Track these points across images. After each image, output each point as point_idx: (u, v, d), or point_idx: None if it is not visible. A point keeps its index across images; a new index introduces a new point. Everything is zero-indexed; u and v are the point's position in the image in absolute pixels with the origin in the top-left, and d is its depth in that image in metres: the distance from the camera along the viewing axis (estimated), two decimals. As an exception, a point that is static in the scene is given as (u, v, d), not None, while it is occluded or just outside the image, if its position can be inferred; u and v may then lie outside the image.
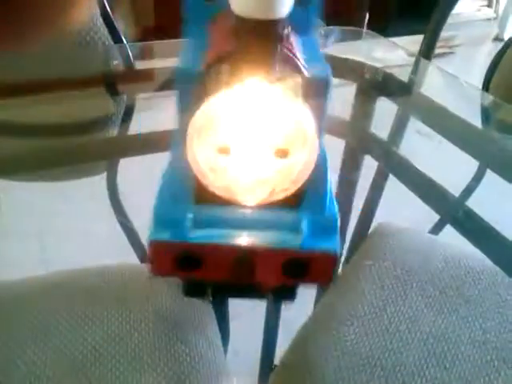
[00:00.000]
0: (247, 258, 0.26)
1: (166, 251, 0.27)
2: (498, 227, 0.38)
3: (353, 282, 0.33)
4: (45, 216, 0.44)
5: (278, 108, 0.24)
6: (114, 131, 0.57)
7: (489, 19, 3.14)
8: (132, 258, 0.39)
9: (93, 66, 0.68)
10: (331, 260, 0.24)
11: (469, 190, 0.49)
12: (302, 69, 0.25)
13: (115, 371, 0.28)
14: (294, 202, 0.26)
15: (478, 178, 0.50)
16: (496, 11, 3.05)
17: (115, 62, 0.73)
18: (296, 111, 0.24)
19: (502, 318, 0.33)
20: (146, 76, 0.68)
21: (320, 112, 0.25)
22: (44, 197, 0.45)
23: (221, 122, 0.25)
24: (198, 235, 0.26)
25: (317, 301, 0.33)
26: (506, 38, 2.76)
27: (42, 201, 0.46)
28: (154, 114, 0.60)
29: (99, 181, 0.48)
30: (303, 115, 0.24)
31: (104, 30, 0.84)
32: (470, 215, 0.41)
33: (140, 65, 0.73)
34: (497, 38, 2.89)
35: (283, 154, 0.24)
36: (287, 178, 0.26)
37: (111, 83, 0.66)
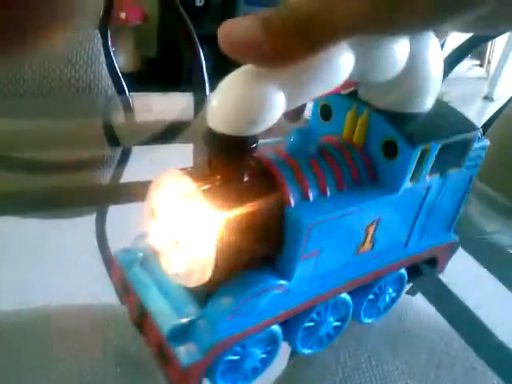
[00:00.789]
0: (143, 318, 0.30)
1: (115, 268, 0.33)
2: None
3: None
4: (31, 243, 0.45)
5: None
6: (109, 173, 0.59)
7: (480, 78, 3.26)
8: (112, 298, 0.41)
9: (94, 115, 0.71)
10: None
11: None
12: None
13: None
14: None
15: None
16: (487, 71, 3.15)
17: (117, 112, 0.76)
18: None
19: None
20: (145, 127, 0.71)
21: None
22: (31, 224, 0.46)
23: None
24: (132, 272, 0.32)
25: (290, 360, 0.36)
26: (495, 97, 2.83)
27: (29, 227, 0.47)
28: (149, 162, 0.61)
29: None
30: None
31: (108, 80, 0.88)
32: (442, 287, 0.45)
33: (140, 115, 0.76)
34: (487, 97, 2.97)
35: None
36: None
37: (112, 134, 0.69)
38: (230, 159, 0.27)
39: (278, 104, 0.25)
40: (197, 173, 0.28)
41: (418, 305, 0.42)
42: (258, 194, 0.28)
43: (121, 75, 0.90)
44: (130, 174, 0.58)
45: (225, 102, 0.25)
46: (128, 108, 0.76)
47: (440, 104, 0.34)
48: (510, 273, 0.50)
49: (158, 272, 0.32)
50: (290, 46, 0.22)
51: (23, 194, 0.50)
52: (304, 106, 0.31)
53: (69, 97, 0.83)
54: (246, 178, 0.28)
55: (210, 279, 0.28)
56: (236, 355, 0.30)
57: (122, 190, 0.56)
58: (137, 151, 0.63)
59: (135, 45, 2.19)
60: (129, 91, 0.89)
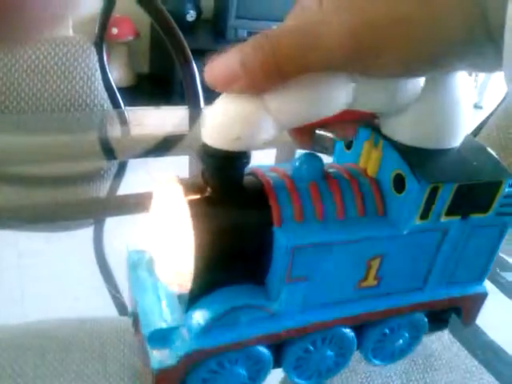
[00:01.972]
0: (136, 318, 0.32)
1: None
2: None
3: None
4: (28, 256, 0.46)
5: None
6: (106, 185, 0.60)
7: (472, 105, 2.99)
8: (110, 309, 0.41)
9: (90, 130, 0.72)
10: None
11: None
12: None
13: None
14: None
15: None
16: (476, 80, 2.94)
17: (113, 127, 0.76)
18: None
19: None
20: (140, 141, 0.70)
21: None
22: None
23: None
24: (135, 274, 0.33)
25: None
26: (484, 105, 2.68)
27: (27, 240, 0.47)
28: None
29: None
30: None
31: (104, 94, 0.91)
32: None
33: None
34: (476, 106, 2.80)
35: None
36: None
37: (107, 147, 0.69)
38: (219, 172, 0.28)
39: (263, 124, 0.25)
40: (191, 182, 0.29)
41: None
42: (247, 210, 0.29)
43: (116, 90, 0.91)
44: (126, 187, 0.58)
45: (215, 118, 0.26)
46: (124, 122, 0.77)
47: (470, 142, 0.32)
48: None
49: (155, 277, 0.33)
50: (264, 80, 0.24)
51: (21, 208, 0.52)
52: (314, 133, 0.31)
53: (65, 112, 0.85)
54: (239, 193, 0.29)
55: (194, 289, 0.29)
56: (212, 372, 0.30)
57: (118, 202, 0.57)
58: (133, 164, 0.64)
59: (128, 60, 2.19)
60: (125, 108, 0.90)
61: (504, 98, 0.79)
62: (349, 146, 0.35)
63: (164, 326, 0.29)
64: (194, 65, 0.88)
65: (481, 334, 0.40)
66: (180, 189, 0.28)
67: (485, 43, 0.23)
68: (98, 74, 0.91)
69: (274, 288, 0.30)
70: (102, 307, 0.39)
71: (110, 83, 0.93)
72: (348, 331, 0.33)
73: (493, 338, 0.39)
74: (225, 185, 0.28)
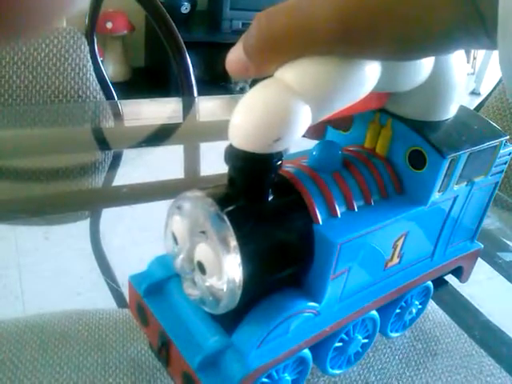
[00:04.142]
0: (167, 343, 0.29)
1: (132, 294, 0.31)
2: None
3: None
4: (25, 250, 0.44)
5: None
6: (101, 178, 0.58)
7: (466, 74, 3.28)
8: (109, 303, 0.40)
9: (84, 121, 0.70)
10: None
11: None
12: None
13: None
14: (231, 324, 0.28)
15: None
16: (473, 67, 3.17)
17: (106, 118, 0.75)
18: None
19: (467, 372, 0.35)
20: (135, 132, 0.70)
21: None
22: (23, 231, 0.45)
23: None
24: (151, 298, 0.30)
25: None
26: (482, 91, 2.86)
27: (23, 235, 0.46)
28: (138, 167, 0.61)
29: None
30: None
31: (96, 86, 0.87)
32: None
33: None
34: (473, 92, 3.00)
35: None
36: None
37: (102, 139, 0.68)
38: (254, 178, 0.25)
39: (303, 118, 0.23)
40: (219, 193, 0.26)
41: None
42: (285, 213, 0.27)
43: (109, 81, 0.89)
44: (122, 177, 0.57)
45: (248, 119, 0.23)
46: (117, 114, 0.76)
47: (463, 110, 0.33)
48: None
49: (179, 298, 0.30)
50: (266, 61, 0.24)
51: (15, 200, 0.49)
52: (325, 123, 0.30)
53: (57, 104, 0.82)
54: (274, 197, 0.27)
55: (237, 305, 0.26)
56: (269, 380, 0.29)
57: (114, 193, 0.55)
58: (128, 154, 0.62)
59: (123, 55, 2.17)
60: (119, 100, 0.88)
61: (500, 80, 0.84)
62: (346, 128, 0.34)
63: (211, 349, 0.27)
64: (188, 56, 0.85)
65: (479, 316, 0.42)
66: (211, 202, 0.25)
67: (479, 31, 0.23)
68: (90, 65, 0.87)
69: (319, 287, 0.28)
70: (101, 300, 0.36)
71: (103, 75, 0.89)
72: (375, 314, 0.33)
73: (491, 319, 0.41)
74: (261, 190, 0.26)
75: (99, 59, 0.88)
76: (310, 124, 0.24)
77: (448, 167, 0.30)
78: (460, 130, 0.31)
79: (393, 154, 0.31)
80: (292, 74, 0.23)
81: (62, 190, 0.53)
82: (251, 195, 0.26)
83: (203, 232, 0.25)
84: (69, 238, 0.47)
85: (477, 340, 0.39)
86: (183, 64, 0.84)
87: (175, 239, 0.28)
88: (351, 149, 0.32)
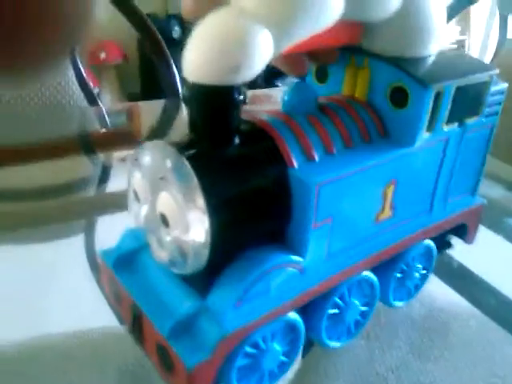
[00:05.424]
0: (139, 317, 0.26)
1: (103, 270, 0.30)
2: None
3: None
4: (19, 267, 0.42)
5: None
6: (91, 192, 0.56)
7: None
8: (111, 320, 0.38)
9: (69, 128, 0.69)
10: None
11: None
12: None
13: None
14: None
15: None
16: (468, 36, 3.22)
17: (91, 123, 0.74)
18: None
19: (491, 363, 0.31)
20: (122, 136, 0.69)
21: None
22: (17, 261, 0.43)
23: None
24: (122, 271, 0.28)
25: (304, 353, 0.31)
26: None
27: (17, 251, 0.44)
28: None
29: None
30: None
31: (80, 94, 0.86)
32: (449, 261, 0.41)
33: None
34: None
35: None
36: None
37: (87, 143, 0.67)
38: (215, 116, 0.23)
39: (262, 43, 0.21)
40: (180, 140, 0.24)
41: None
42: (255, 158, 0.25)
43: (93, 90, 0.87)
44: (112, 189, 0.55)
45: (202, 48, 0.21)
46: (103, 120, 0.74)
47: (448, 50, 0.30)
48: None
49: (151, 267, 0.28)
50: None
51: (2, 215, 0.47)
52: (304, 55, 0.28)
53: (39, 114, 0.80)
54: (237, 141, 0.24)
55: (209, 262, 0.24)
56: (247, 357, 0.26)
57: (107, 200, 0.53)
58: (118, 165, 0.60)
59: (118, 83, 2.19)
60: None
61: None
62: (322, 79, 0.32)
63: (183, 314, 0.24)
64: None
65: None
66: (170, 148, 0.23)
67: None
68: (71, 73, 0.85)
69: (300, 237, 0.26)
70: (101, 317, 0.34)
71: (85, 81, 0.87)
72: (372, 276, 0.30)
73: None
74: (224, 131, 0.24)
75: (81, 67, 0.87)
76: (274, 53, 0.22)
77: (434, 102, 0.27)
78: (444, 64, 0.29)
79: (373, 95, 0.29)
80: (247, -2, 0.21)
81: (50, 204, 0.52)
82: (214, 137, 0.24)
83: (162, 178, 0.23)
84: (64, 251, 0.45)
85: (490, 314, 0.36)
86: (168, 70, 0.82)
87: (137, 197, 0.25)
88: (326, 97, 0.30)
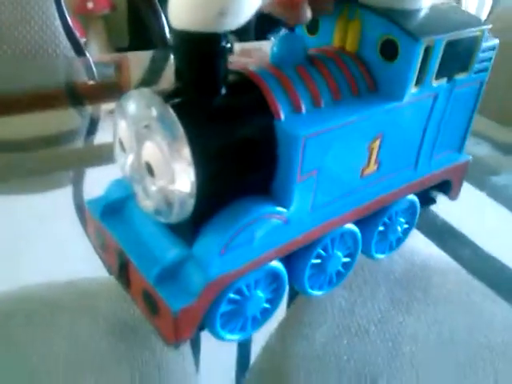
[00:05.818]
0: (125, 264, 0.27)
1: (90, 219, 0.30)
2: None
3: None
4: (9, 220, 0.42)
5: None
6: (79, 144, 0.56)
7: None
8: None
9: (56, 78, 0.67)
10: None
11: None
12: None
13: (81, 380, 0.28)
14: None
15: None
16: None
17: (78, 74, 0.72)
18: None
19: (470, 319, 0.32)
20: (109, 87, 0.68)
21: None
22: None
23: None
24: (108, 220, 0.29)
25: (289, 303, 0.32)
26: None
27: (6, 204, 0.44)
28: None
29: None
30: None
31: (66, 43, 0.84)
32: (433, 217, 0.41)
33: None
34: None
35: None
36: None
37: (74, 94, 0.66)
38: (201, 63, 0.23)
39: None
40: (165, 88, 0.24)
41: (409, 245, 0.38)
42: (241, 108, 0.25)
43: (79, 40, 0.85)
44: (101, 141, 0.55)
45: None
46: (90, 71, 0.73)
47: (443, 3, 0.30)
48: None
49: (137, 216, 0.28)
50: None
51: None
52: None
53: (24, 63, 0.78)
54: (224, 91, 0.24)
55: (195, 212, 0.24)
56: (231, 303, 0.26)
57: (96, 152, 0.53)
58: (106, 117, 0.60)
59: (106, 35, 2.12)
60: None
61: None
62: (313, 31, 0.31)
63: (169, 261, 0.25)
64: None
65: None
66: (154, 95, 0.23)
67: None
68: (58, 22, 0.83)
69: (285, 189, 0.26)
70: (90, 267, 0.34)
71: (72, 31, 0.85)
72: (355, 228, 0.31)
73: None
74: (211, 79, 0.23)
75: (68, 17, 0.84)
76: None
77: (423, 56, 0.27)
78: (436, 17, 0.29)
79: (363, 48, 0.28)
80: None
81: (38, 155, 0.52)
82: (200, 86, 0.23)
83: (147, 127, 0.23)
84: (53, 204, 0.45)
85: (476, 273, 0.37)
86: (155, 17, 0.80)
87: (123, 146, 0.25)
88: (317, 48, 0.29)
